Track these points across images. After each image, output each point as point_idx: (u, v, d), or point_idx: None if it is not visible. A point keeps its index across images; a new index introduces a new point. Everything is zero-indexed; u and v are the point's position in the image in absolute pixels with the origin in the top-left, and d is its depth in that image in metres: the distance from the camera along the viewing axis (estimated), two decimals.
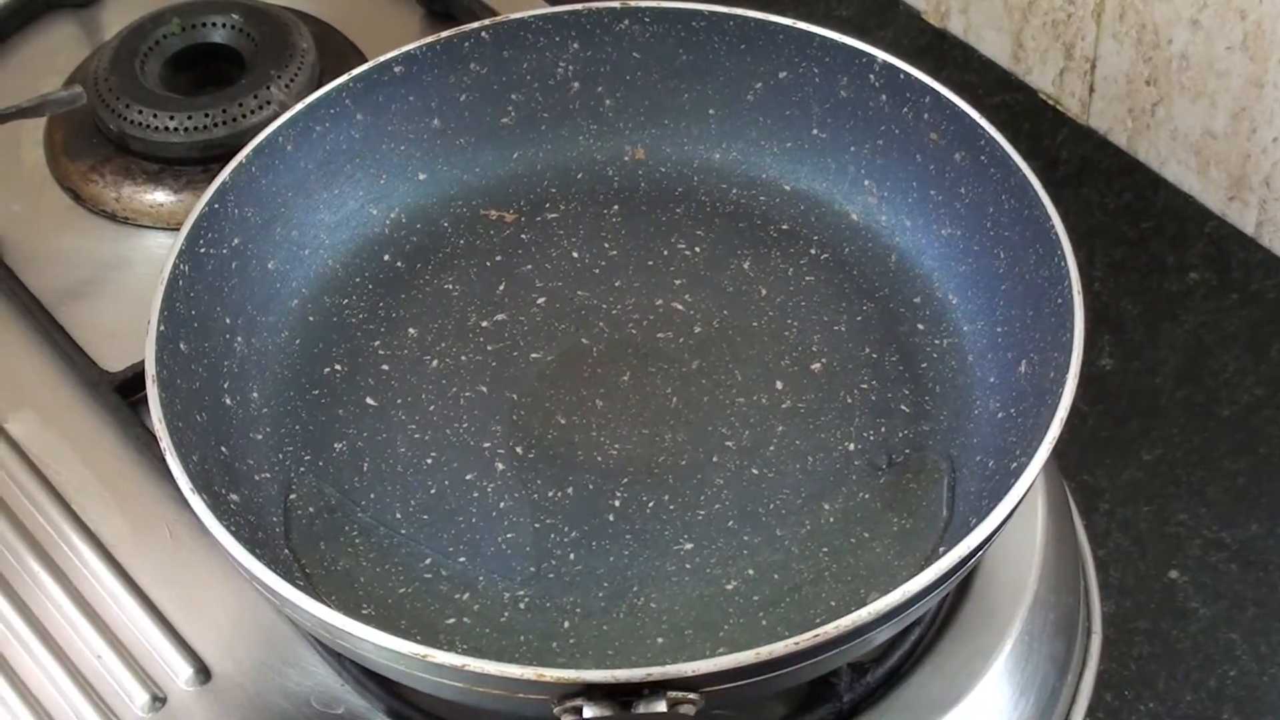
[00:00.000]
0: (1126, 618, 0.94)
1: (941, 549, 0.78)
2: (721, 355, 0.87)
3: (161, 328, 0.79)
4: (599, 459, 0.84)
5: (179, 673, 0.81)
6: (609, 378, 0.87)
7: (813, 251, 0.91)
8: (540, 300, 0.90)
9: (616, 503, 0.82)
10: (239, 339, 0.86)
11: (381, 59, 0.91)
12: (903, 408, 0.85)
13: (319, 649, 0.81)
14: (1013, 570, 0.84)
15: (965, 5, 1.21)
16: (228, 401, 0.84)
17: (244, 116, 1.01)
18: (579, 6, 0.93)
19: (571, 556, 0.80)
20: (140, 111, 1.01)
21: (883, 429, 0.84)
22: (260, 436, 0.84)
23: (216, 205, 0.85)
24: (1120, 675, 0.92)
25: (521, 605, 0.78)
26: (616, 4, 0.93)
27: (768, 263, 0.91)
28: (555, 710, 0.67)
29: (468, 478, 0.83)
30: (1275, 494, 0.99)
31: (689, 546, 0.80)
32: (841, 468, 0.83)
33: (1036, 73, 1.19)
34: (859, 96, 0.90)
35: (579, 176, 0.95)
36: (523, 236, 0.93)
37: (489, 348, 0.88)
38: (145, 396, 0.77)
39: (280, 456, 0.84)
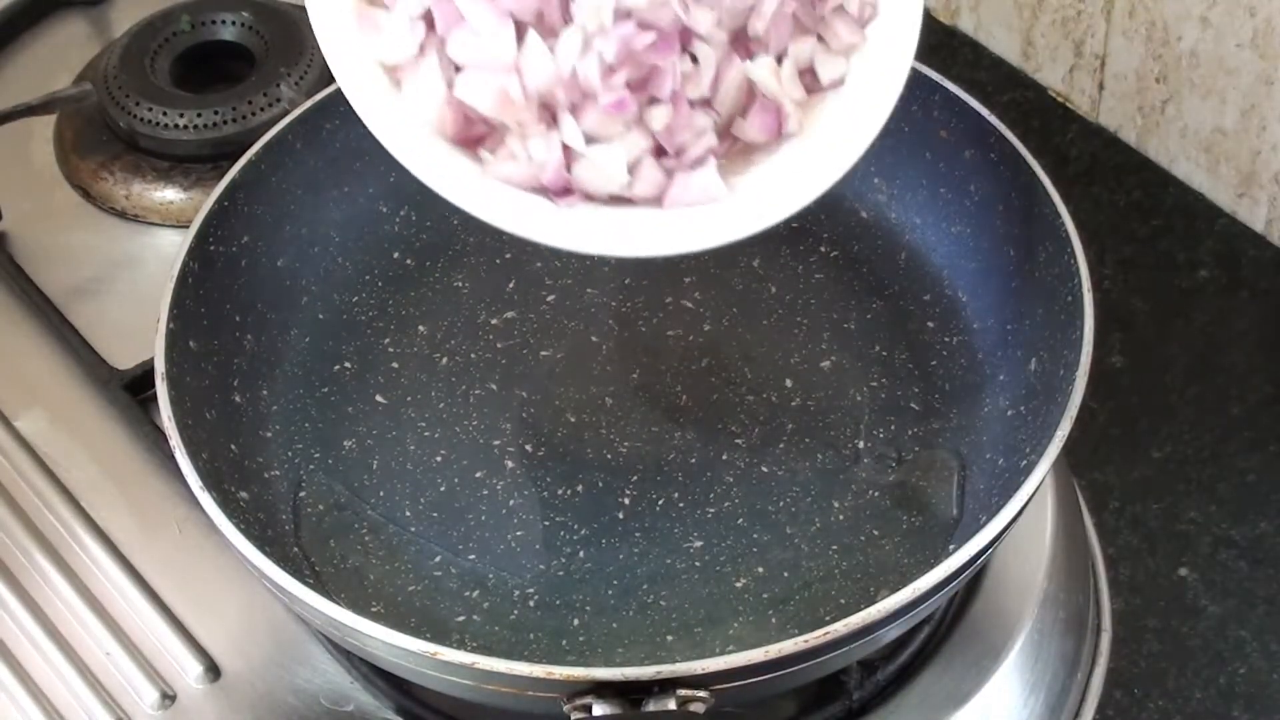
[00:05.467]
0: (1136, 615, 0.94)
1: (951, 547, 0.78)
2: (731, 353, 0.87)
3: (171, 325, 0.79)
4: (608, 456, 0.84)
5: (188, 670, 0.81)
6: (618, 375, 0.87)
7: (822, 249, 0.91)
8: (550, 298, 0.90)
9: (626, 500, 0.82)
10: (249, 336, 0.86)
11: None
12: (912, 405, 0.85)
13: (328, 647, 0.81)
14: (1022, 568, 0.84)
15: (975, 3, 1.21)
16: (237, 399, 0.84)
17: (254, 114, 1.01)
18: None
19: (581, 554, 0.80)
20: (150, 109, 1.01)
21: (892, 427, 0.84)
22: (270, 434, 0.84)
23: (226, 203, 0.85)
24: (1130, 673, 0.92)
25: (531, 603, 0.78)
26: None
27: (777, 260, 0.91)
28: (565, 708, 0.67)
29: (477, 475, 0.83)
30: None
31: (699, 544, 0.80)
32: (851, 465, 0.83)
33: (1046, 70, 1.19)
34: None
35: None
36: None
37: (499, 345, 0.88)
38: (155, 394, 0.77)
39: (290, 454, 0.84)
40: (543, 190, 0.74)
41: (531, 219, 0.73)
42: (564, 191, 0.74)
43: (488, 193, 0.74)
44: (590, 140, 0.73)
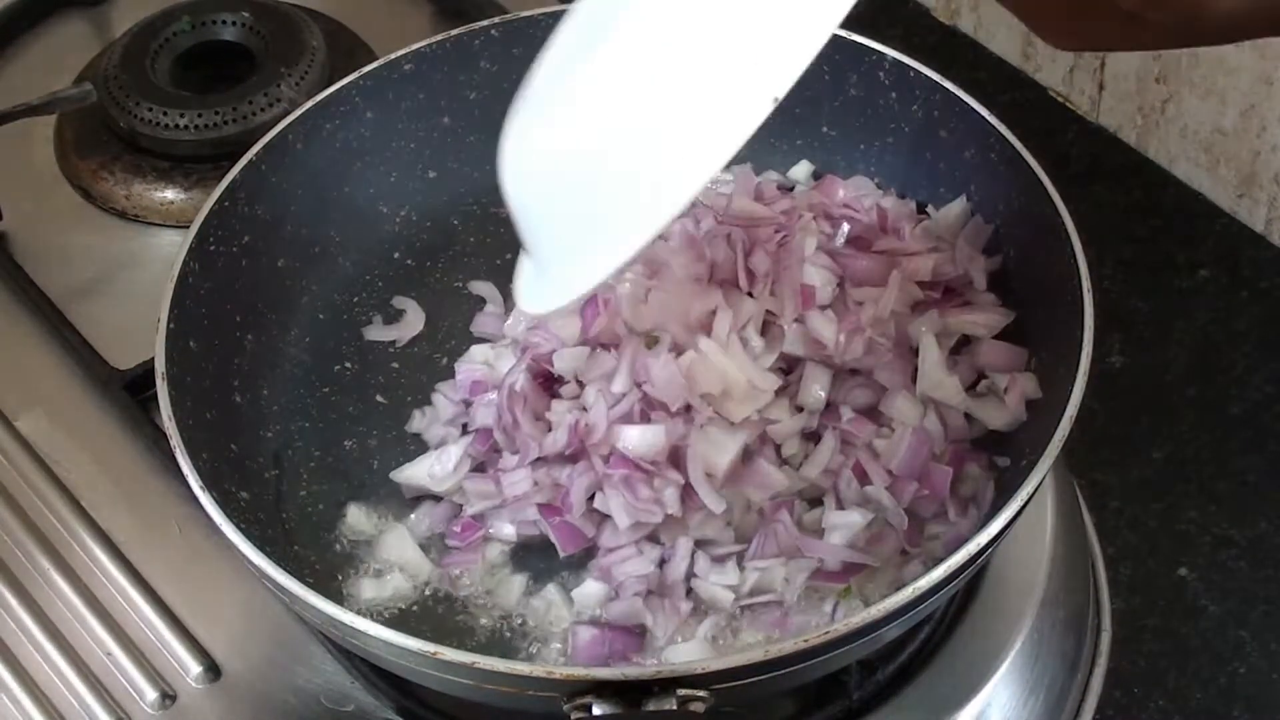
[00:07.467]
0: (1136, 615, 0.94)
1: None
2: None
3: (171, 325, 0.79)
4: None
5: (189, 670, 0.81)
6: None
7: None
8: None
9: None
10: (249, 337, 0.86)
11: (392, 56, 0.91)
12: None
13: (328, 646, 0.81)
14: (1022, 568, 0.83)
15: (975, 3, 1.21)
16: (237, 399, 0.84)
17: (254, 114, 1.01)
18: None
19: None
20: (150, 109, 1.01)
21: None
22: (270, 434, 0.84)
23: (226, 203, 0.85)
24: (1130, 672, 0.92)
25: (532, 603, 0.78)
26: None
27: None
28: (565, 708, 0.67)
29: None
30: None
31: None
32: None
33: (1046, 70, 1.19)
34: (869, 94, 0.89)
35: None
36: None
37: None
38: (155, 394, 0.77)
39: (290, 454, 0.84)
40: None
41: None
42: None
43: None
44: None
